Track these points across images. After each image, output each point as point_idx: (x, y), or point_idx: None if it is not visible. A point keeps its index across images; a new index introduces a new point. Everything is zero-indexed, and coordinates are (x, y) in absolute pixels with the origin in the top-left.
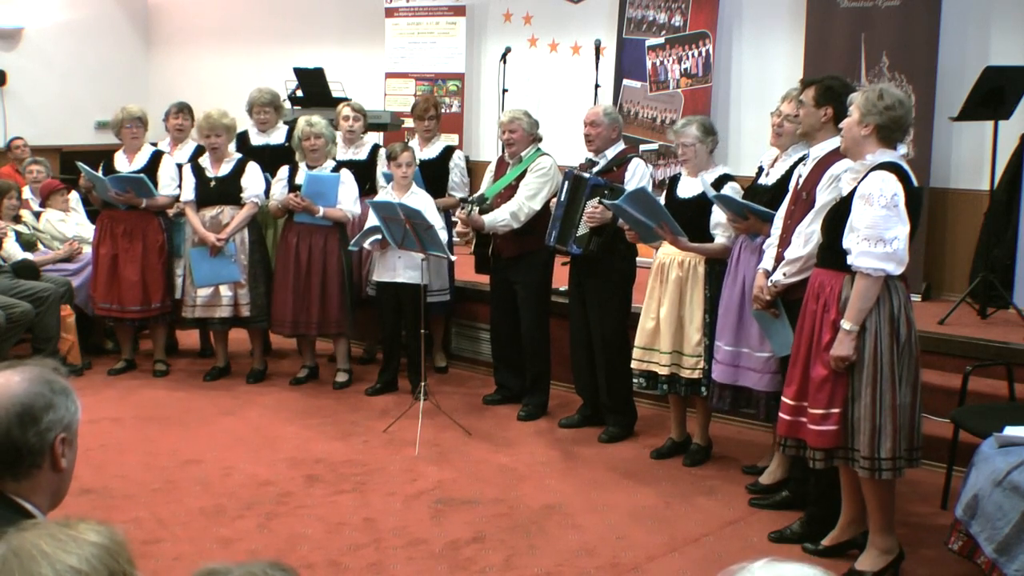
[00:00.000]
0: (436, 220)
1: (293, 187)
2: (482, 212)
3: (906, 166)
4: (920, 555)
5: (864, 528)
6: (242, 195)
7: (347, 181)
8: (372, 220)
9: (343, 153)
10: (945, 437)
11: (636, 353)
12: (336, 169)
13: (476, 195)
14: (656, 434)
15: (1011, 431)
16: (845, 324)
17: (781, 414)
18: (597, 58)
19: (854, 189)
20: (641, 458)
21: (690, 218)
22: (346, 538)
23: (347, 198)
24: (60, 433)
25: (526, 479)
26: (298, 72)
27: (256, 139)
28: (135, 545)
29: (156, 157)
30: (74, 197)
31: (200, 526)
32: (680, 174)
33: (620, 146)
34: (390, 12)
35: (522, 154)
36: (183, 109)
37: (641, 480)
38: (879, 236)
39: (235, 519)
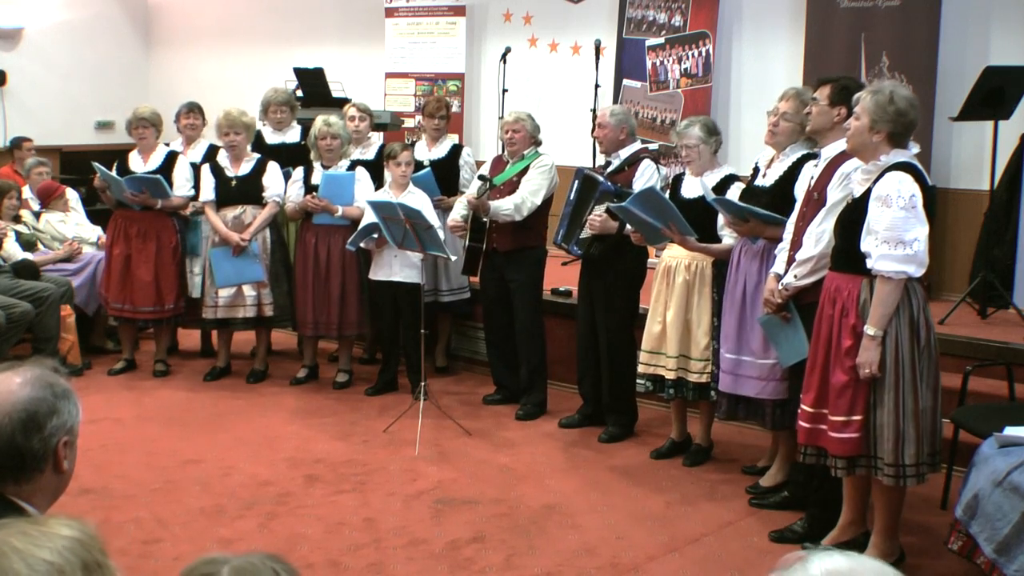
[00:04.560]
0: (435, 220)
1: (309, 188)
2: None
3: (920, 166)
4: (920, 555)
5: (864, 529)
6: (264, 194)
7: (363, 179)
8: (369, 218)
9: (351, 153)
10: (945, 437)
11: (642, 357)
12: (349, 169)
13: (490, 181)
14: (656, 434)
15: (1011, 431)
16: (870, 330)
17: (800, 422)
18: (597, 58)
19: (868, 190)
20: (641, 458)
21: (695, 218)
22: (346, 538)
23: (364, 196)
24: (63, 437)
25: (526, 479)
26: (298, 72)
27: (271, 138)
28: (135, 545)
29: (171, 157)
30: (73, 197)
31: (200, 526)
32: (683, 174)
33: (635, 146)
34: (390, 12)
35: (524, 152)
36: (193, 109)
37: (641, 480)
38: (899, 238)
39: (235, 519)
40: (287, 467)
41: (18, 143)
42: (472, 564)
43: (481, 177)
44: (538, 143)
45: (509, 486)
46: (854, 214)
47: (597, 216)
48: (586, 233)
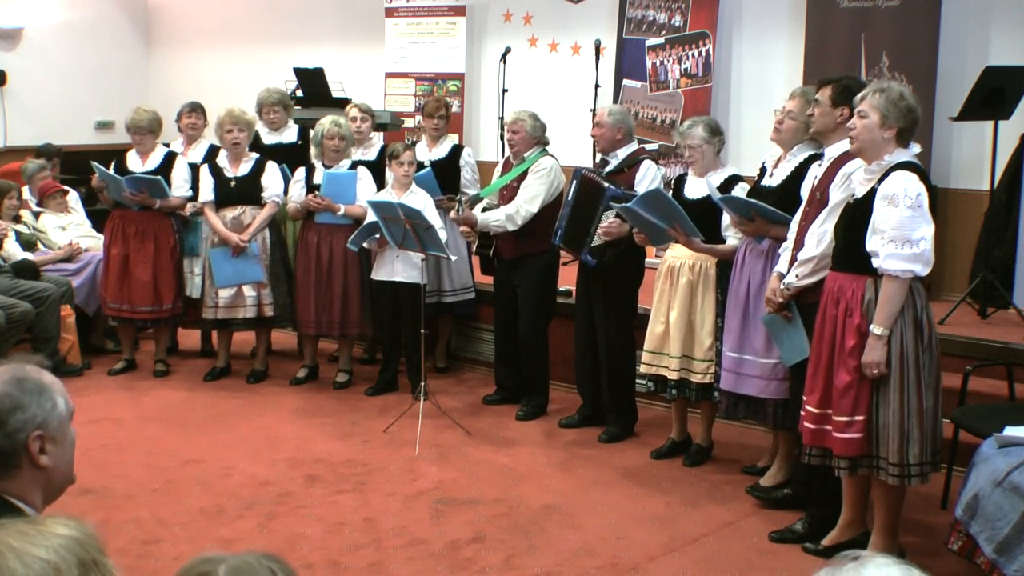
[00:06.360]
0: (436, 220)
1: (311, 188)
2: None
3: (922, 165)
4: (920, 555)
5: (864, 528)
6: (263, 195)
7: (364, 178)
8: (370, 218)
9: (352, 154)
10: (945, 437)
11: (645, 357)
12: (350, 169)
13: (471, 195)
14: (656, 434)
15: (1011, 431)
16: (876, 329)
17: (805, 423)
18: (597, 58)
19: (871, 190)
20: (641, 458)
21: (699, 219)
22: (346, 538)
23: (366, 195)
24: (33, 432)
25: (526, 479)
26: (298, 72)
27: (267, 138)
28: (135, 545)
29: (170, 158)
30: (73, 197)
31: (200, 526)
32: (686, 175)
33: (632, 147)
34: (390, 12)
35: (525, 155)
36: (195, 108)
37: (641, 480)
38: (906, 237)
39: (235, 519)
40: (287, 467)
41: (50, 154)
42: (472, 564)
43: (449, 197)
44: (544, 143)
45: (509, 486)
46: (857, 214)
47: (613, 224)
48: (598, 240)
